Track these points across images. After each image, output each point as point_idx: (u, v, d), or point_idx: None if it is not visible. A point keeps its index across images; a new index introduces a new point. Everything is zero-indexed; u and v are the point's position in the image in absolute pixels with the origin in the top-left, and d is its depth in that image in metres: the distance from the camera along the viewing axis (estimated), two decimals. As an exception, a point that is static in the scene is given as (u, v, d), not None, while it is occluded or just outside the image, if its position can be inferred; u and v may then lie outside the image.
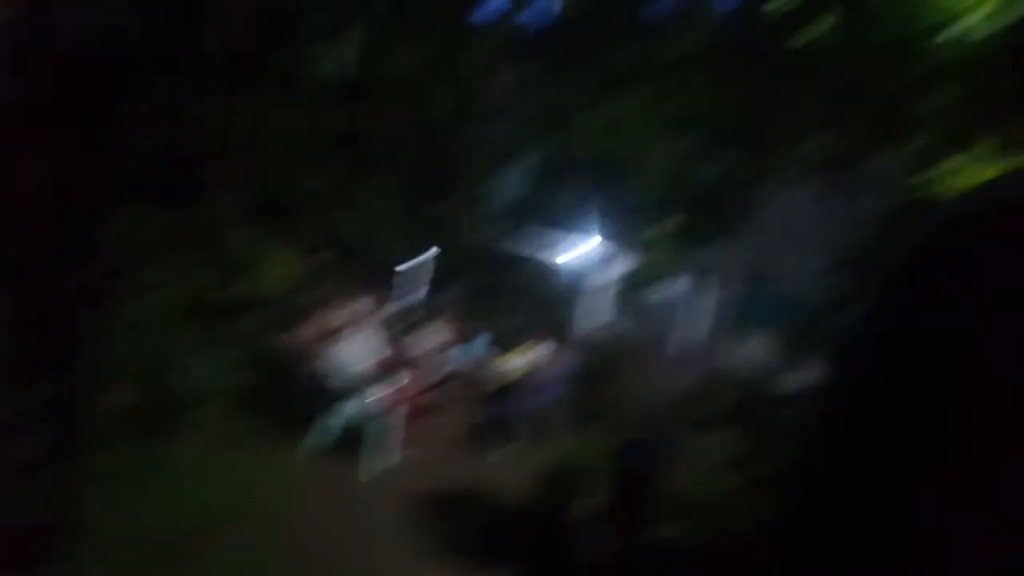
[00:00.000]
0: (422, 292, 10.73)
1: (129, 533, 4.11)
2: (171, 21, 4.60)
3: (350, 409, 6.95)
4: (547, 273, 11.86)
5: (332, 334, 7.77)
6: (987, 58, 3.40)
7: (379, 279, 9.42)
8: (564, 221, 11.51)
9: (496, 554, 5.37)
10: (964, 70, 3.44)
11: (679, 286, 13.28)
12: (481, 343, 9.92)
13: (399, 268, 10.27)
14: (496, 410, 8.71)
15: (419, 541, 5.45)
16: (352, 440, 7.04)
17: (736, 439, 5.33)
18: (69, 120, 4.13)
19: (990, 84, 3.42)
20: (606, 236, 11.47)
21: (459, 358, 8.99)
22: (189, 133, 6.74)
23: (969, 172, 3.38)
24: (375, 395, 7.01)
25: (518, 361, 9.11)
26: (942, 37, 3.42)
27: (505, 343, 9.90)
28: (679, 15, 9.93)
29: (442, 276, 10.73)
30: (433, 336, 8.10)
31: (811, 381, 5.22)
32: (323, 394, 7.22)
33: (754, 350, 10.35)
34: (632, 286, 10.56)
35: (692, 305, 13.66)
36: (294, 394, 7.56)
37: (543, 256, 11.92)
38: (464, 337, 9.29)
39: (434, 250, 10.81)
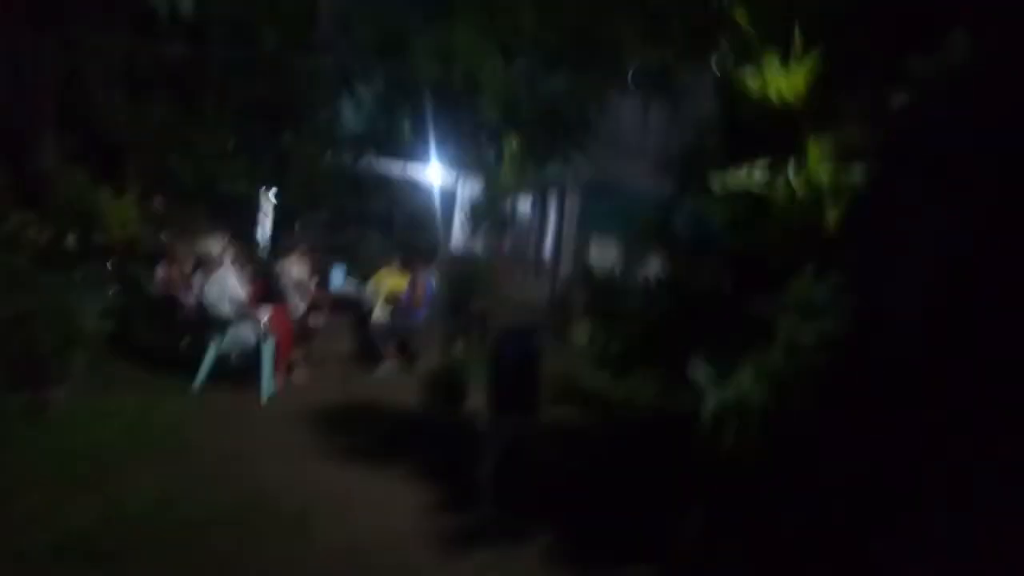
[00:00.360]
0: (272, 226, 10.62)
1: (29, 476, 4.15)
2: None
3: (227, 343, 6.99)
4: (397, 197, 12.00)
5: (191, 274, 7.68)
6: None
7: (226, 216, 9.25)
8: (409, 146, 11.62)
9: (392, 455, 5.71)
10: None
11: (527, 201, 13.88)
12: (339, 271, 10.04)
13: (246, 203, 10.09)
14: (369, 332, 8.98)
15: (319, 451, 5.70)
16: (234, 373, 7.13)
17: (595, 328, 5.87)
18: None
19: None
20: (452, 159, 11.72)
21: (324, 286, 9.10)
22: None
23: (779, 70, 3.90)
24: (249, 327, 7.07)
25: (382, 283, 9.36)
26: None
27: (365, 269, 10.11)
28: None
29: (292, 208, 10.63)
30: (293, 268, 8.15)
31: (652, 274, 5.84)
32: (196, 330, 7.20)
33: (602, 250, 11.13)
34: (482, 205, 10.92)
35: (542, 217, 14.35)
36: (167, 334, 7.53)
37: (391, 181, 12.02)
38: (322, 266, 9.40)
39: (279, 184, 10.65)
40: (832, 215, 3.54)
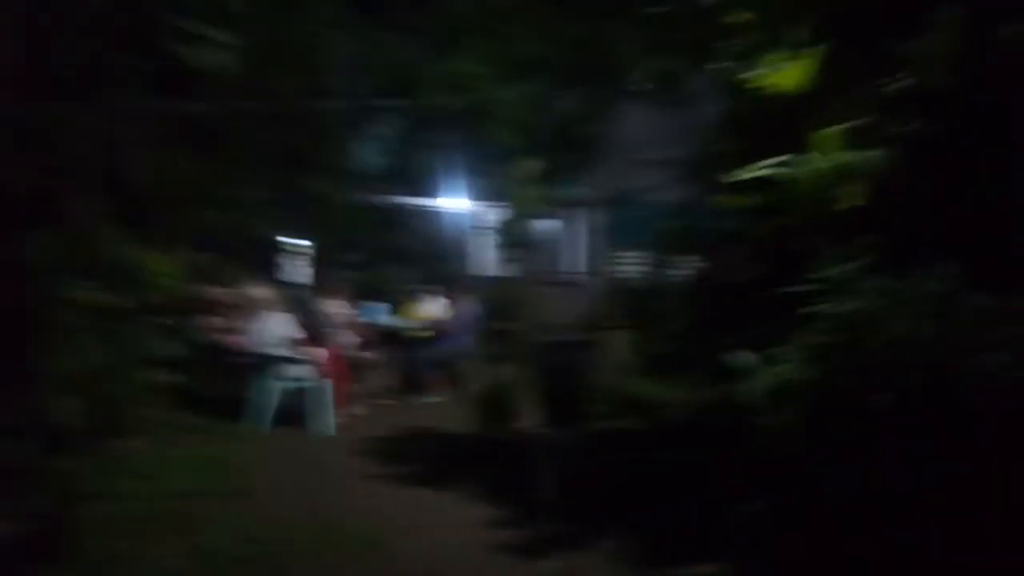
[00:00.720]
0: (310, 268, 10.93)
1: (120, 520, 4.42)
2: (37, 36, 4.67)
3: (284, 384, 7.29)
4: (425, 230, 12.28)
5: (239, 323, 7.99)
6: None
7: (265, 263, 9.58)
8: (431, 178, 11.93)
9: (453, 476, 5.92)
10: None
11: (551, 221, 14.09)
12: (380, 306, 10.32)
13: (282, 249, 10.43)
14: (415, 363, 9.23)
15: (384, 479, 5.94)
16: (294, 413, 7.43)
17: (635, 335, 6.05)
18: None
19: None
20: (474, 187, 11.99)
21: (365, 322, 9.37)
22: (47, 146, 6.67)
23: (784, 66, 4.10)
24: (300, 369, 7.35)
25: (423, 315, 9.62)
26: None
27: (403, 301, 10.40)
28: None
29: (324, 250, 10.95)
30: (334, 307, 8.44)
31: (683, 276, 6.01)
32: (251, 376, 7.50)
33: (631, 260, 11.28)
34: (507, 229, 11.16)
35: (569, 235, 14.54)
36: (226, 381, 7.84)
37: (418, 214, 12.32)
38: (362, 303, 9.70)
39: (308, 227, 10.99)
40: (850, 197, 3.71)
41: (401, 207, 12.09)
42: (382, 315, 10.33)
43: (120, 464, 5.35)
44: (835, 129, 3.86)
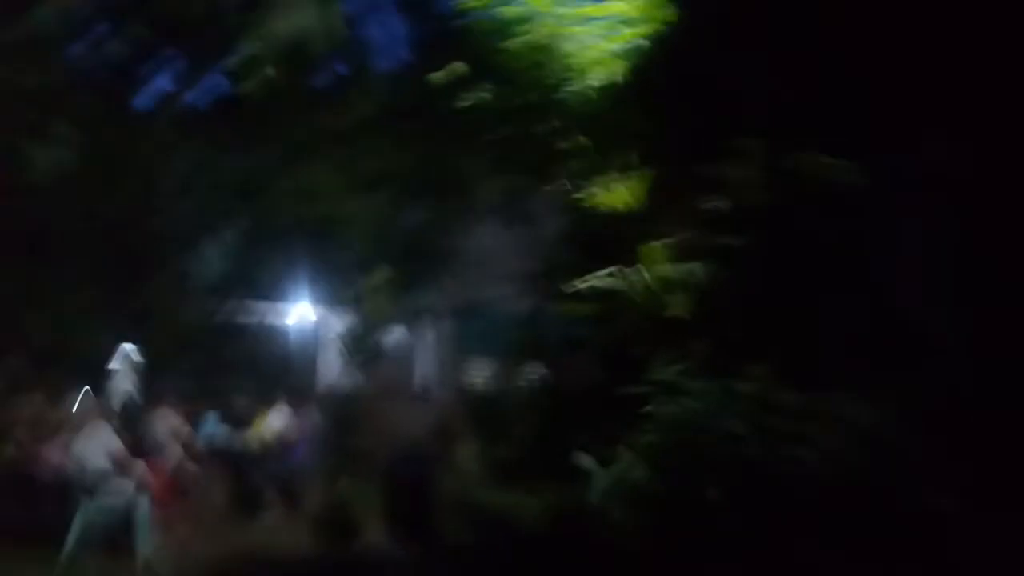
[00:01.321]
0: (137, 380, 10.25)
1: None
2: None
3: (94, 511, 6.61)
4: (267, 340, 11.91)
5: (55, 436, 7.30)
6: (604, 104, 4.61)
7: (87, 375, 8.91)
8: (274, 287, 11.68)
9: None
10: (590, 113, 4.63)
11: (399, 331, 14.04)
12: (212, 419, 9.76)
13: (110, 360, 9.76)
14: (249, 478, 8.72)
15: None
16: (109, 536, 6.70)
17: (481, 442, 6.06)
18: None
19: (610, 122, 4.62)
20: (320, 296, 11.85)
21: (196, 436, 8.82)
22: None
23: (614, 187, 4.46)
24: (122, 487, 6.74)
25: (261, 428, 9.19)
26: (566, 92, 4.63)
27: (238, 415, 9.89)
28: (349, 82, 10.79)
29: (157, 360, 10.34)
30: (163, 421, 7.92)
31: (528, 381, 6.16)
32: (66, 496, 6.78)
33: (479, 369, 11.39)
34: (355, 339, 11.05)
35: (416, 344, 14.49)
36: (39, 506, 7.01)
37: (260, 324, 11.95)
38: (193, 416, 9.14)
39: (142, 337, 10.40)
40: (676, 305, 4.02)
41: (242, 315, 11.70)
42: (216, 428, 9.77)
43: None
44: (661, 243, 4.21)
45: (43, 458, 7.21)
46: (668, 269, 4.08)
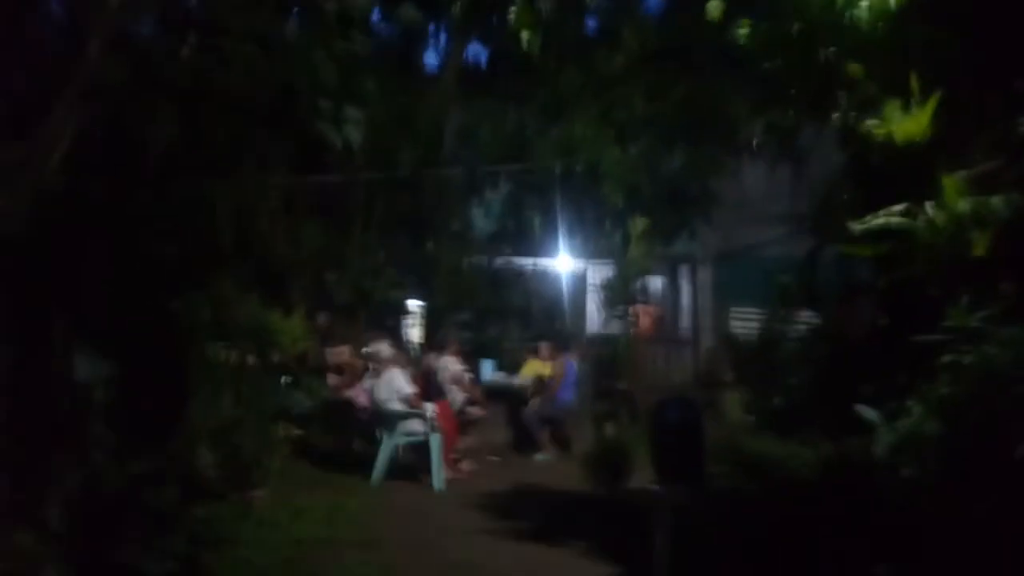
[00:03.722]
0: (423, 328, 11.31)
1: (250, 566, 4.67)
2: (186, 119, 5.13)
3: (399, 437, 7.54)
4: (537, 290, 12.48)
5: (359, 380, 8.35)
6: (887, 23, 4.16)
7: (383, 323, 10.00)
8: (542, 239, 12.17)
9: (566, 533, 5.92)
10: (872, 35, 4.19)
11: (662, 279, 14.07)
12: (488, 364, 10.52)
13: (402, 312, 10.85)
14: (523, 420, 9.33)
15: (495, 533, 6.04)
16: (406, 468, 7.65)
17: (752, 392, 5.92)
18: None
19: (895, 43, 4.16)
20: (584, 247, 12.15)
21: (475, 379, 9.57)
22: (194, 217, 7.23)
23: (901, 116, 4.04)
24: (418, 421, 7.57)
25: (532, 372, 9.75)
26: (843, 14, 4.23)
27: (512, 361, 10.58)
28: (617, 27, 10.72)
29: (439, 310, 11.31)
30: (447, 367, 8.68)
31: (800, 331, 5.87)
32: (369, 430, 7.80)
33: (745, 316, 11.09)
34: (618, 287, 11.21)
35: (681, 292, 14.44)
36: (342, 435, 8.20)
37: (530, 275, 12.55)
38: (473, 362, 9.93)
39: (424, 289, 11.39)
40: (979, 244, 3.59)
41: (510, 268, 12.36)
42: (492, 372, 10.51)
43: (248, 513, 5.63)
44: (960, 175, 3.77)
45: (350, 400, 8.27)
46: (969, 204, 3.64)
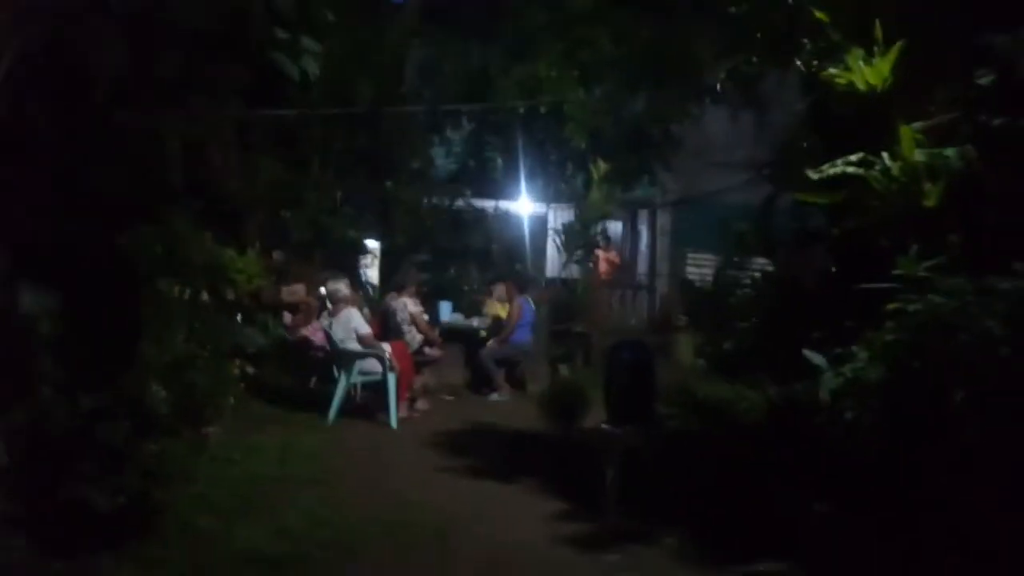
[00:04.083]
0: (380, 268, 11.23)
1: (203, 502, 4.68)
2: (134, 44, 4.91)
3: (355, 375, 7.55)
4: (495, 232, 12.44)
5: (314, 318, 8.30)
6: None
7: (339, 262, 9.88)
8: (502, 181, 12.09)
9: (518, 471, 6.05)
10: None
11: (620, 223, 14.14)
12: (446, 305, 10.53)
13: (359, 251, 10.72)
14: (478, 360, 9.39)
15: (449, 471, 6.13)
16: (361, 406, 7.68)
17: (704, 335, 6.02)
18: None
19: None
20: (544, 189, 12.11)
21: (432, 319, 9.59)
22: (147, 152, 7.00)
23: (861, 65, 4.05)
24: (369, 363, 7.58)
25: (488, 313, 9.80)
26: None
27: (467, 301, 10.61)
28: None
29: (397, 250, 11.22)
30: (403, 307, 8.65)
31: (753, 277, 5.96)
32: (325, 368, 7.79)
33: (701, 262, 11.25)
34: (577, 231, 11.24)
35: (634, 237, 14.56)
36: (297, 373, 8.18)
37: (488, 217, 12.49)
38: (430, 303, 9.93)
39: (384, 229, 11.27)
40: (931, 195, 3.65)
41: (469, 209, 12.28)
42: (450, 314, 10.53)
43: (202, 449, 5.61)
44: (917, 126, 3.81)
45: (306, 338, 8.22)
46: (923, 155, 3.69)
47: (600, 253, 11.78)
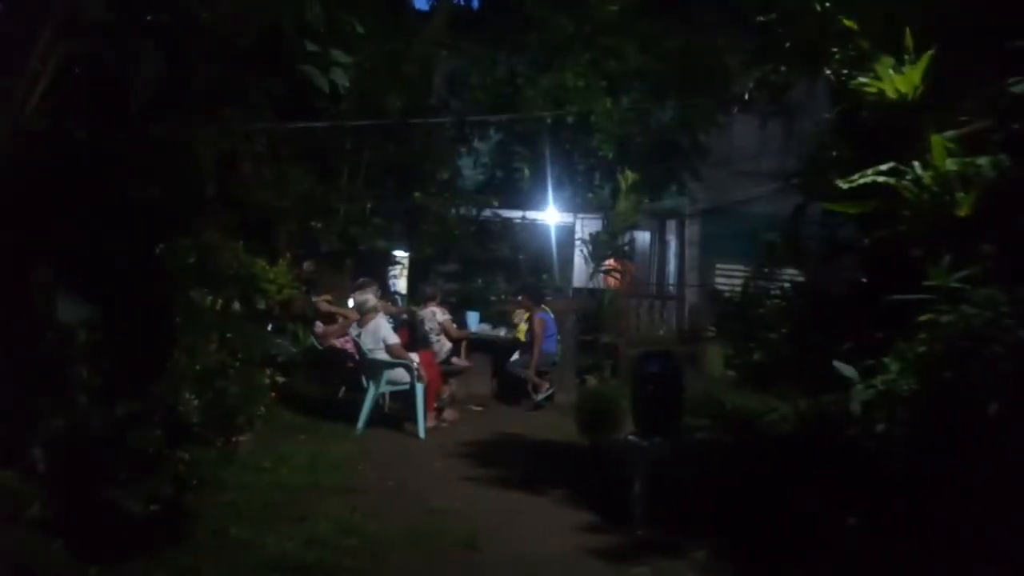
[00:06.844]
0: (408, 278, 11.32)
1: (234, 510, 4.74)
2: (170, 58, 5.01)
3: (384, 385, 7.60)
4: (523, 242, 12.47)
5: (343, 328, 8.37)
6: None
7: (368, 272, 9.97)
8: (527, 192, 12.12)
9: (546, 481, 6.05)
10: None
11: (647, 234, 14.11)
12: (473, 315, 10.57)
13: (385, 258, 10.81)
14: (506, 370, 9.42)
15: (477, 480, 6.18)
16: (389, 416, 7.73)
17: (733, 346, 5.98)
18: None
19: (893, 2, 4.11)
20: (571, 200, 12.12)
21: (460, 329, 9.62)
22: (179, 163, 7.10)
23: (891, 73, 4.02)
24: (397, 373, 7.63)
25: (516, 323, 9.81)
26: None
27: (497, 312, 10.64)
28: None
29: (425, 260, 11.30)
30: (433, 314, 8.70)
31: (782, 288, 5.91)
32: (353, 377, 7.86)
33: (729, 272, 11.17)
34: (603, 240, 11.22)
35: (662, 247, 14.52)
36: (326, 383, 8.26)
37: (516, 227, 12.52)
38: (457, 311, 9.97)
39: (410, 239, 11.35)
40: (963, 205, 3.61)
41: (498, 219, 12.33)
42: (477, 324, 10.57)
43: (233, 457, 5.68)
44: (949, 134, 3.77)
45: (336, 348, 8.30)
46: (955, 164, 3.64)
47: (609, 263, 11.73)
